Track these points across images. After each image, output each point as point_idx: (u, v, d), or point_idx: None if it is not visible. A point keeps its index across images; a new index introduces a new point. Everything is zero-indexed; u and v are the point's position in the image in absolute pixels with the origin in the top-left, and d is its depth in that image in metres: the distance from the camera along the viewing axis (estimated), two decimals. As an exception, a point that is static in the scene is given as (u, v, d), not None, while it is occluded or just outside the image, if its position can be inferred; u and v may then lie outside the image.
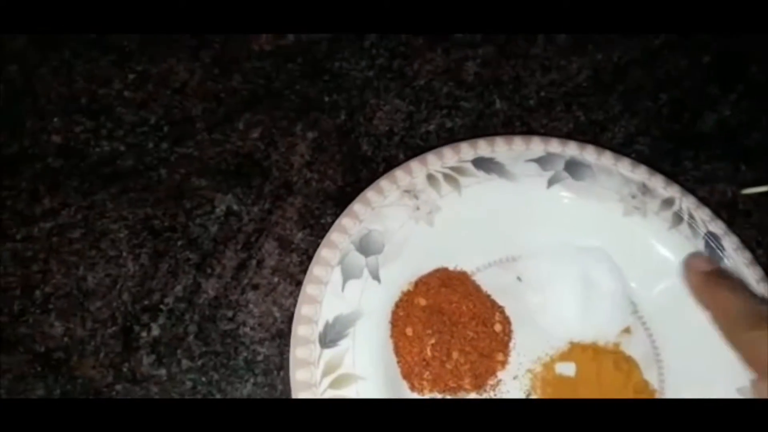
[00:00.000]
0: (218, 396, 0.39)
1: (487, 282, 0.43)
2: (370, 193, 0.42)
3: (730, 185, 0.50)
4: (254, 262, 0.43)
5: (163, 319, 0.40)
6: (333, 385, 0.36)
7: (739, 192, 0.50)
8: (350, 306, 0.39)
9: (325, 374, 0.36)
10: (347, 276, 0.39)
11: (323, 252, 0.40)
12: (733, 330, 0.35)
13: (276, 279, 0.42)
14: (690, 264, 0.41)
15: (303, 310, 0.38)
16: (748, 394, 0.39)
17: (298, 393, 0.36)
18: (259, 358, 0.40)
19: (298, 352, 0.37)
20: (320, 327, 0.38)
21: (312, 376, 0.36)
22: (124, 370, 0.39)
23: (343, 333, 0.38)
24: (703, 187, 0.49)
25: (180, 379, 0.39)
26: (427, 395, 0.40)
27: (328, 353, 0.37)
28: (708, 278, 0.39)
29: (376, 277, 0.40)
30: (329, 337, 0.37)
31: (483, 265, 0.44)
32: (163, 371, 0.39)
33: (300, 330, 0.37)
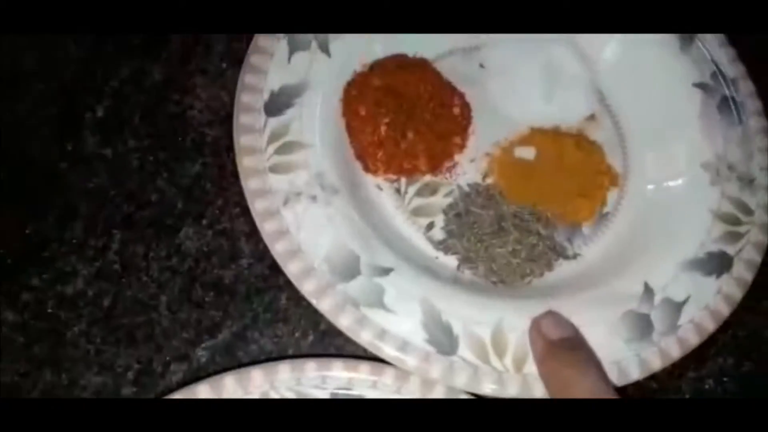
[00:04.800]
0: (165, 175, 0.38)
1: (447, 70, 0.41)
2: (320, -32, 0.39)
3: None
4: (201, 48, 0.41)
5: (108, 101, 0.39)
6: (279, 151, 0.35)
7: None
8: (297, 77, 0.37)
9: (270, 141, 0.35)
10: (294, 47, 0.37)
11: (269, 25, 0.37)
12: None
13: (224, 65, 0.41)
14: (539, 325, 0.31)
15: (246, 78, 0.36)
16: (711, 170, 0.38)
17: (243, 158, 0.35)
18: (208, 139, 0.39)
19: (242, 119, 0.35)
20: (265, 96, 0.36)
21: (257, 142, 0.35)
22: (68, 148, 0.38)
23: (289, 102, 0.36)
24: None
25: (127, 158, 0.38)
26: (381, 177, 0.39)
27: (274, 121, 0.36)
28: (554, 349, 0.30)
29: (325, 50, 0.38)
30: (275, 106, 0.36)
31: (444, 52, 0.42)
32: (108, 150, 0.38)
33: (244, 97, 0.36)
